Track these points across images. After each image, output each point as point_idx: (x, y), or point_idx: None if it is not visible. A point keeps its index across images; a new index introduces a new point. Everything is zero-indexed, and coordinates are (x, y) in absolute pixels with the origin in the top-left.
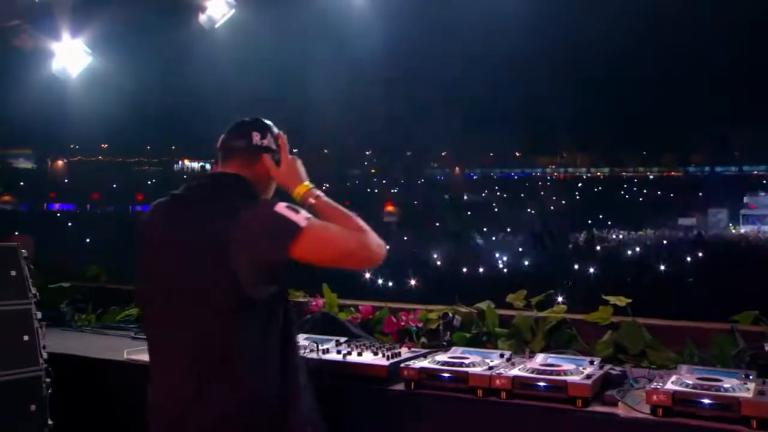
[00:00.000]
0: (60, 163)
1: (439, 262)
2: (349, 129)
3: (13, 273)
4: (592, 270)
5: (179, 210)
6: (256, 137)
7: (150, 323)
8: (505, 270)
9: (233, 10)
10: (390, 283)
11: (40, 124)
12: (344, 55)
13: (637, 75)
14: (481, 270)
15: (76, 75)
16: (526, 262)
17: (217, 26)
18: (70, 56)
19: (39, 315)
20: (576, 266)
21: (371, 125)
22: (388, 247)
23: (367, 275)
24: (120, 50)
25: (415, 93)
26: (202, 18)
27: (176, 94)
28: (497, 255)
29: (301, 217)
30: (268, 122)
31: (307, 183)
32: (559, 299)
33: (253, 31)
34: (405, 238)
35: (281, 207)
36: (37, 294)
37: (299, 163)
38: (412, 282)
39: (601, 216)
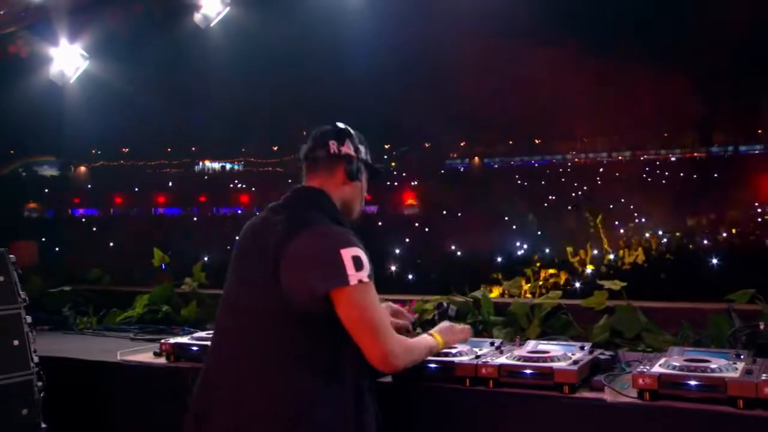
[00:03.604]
0: (83, 168)
1: (459, 253)
2: (365, 124)
3: (1, 278)
4: None
5: (261, 223)
6: (333, 146)
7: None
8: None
9: (228, 8)
10: (411, 276)
11: (58, 130)
12: (349, 50)
13: (652, 51)
14: (499, 259)
15: (75, 79)
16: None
17: (212, 25)
18: (69, 61)
19: (29, 319)
20: None
21: (386, 119)
22: (408, 240)
23: (393, 268)
24: (122, 53)
25: (430, 84)
26: (197, 17)
27: (186, 95)
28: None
29: (360, 274)
30: (347, 128)
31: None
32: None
33: (252, 27)
34: (426, 229)
35: (349, 252)
36: (27, 298)
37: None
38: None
39: (622, 200)
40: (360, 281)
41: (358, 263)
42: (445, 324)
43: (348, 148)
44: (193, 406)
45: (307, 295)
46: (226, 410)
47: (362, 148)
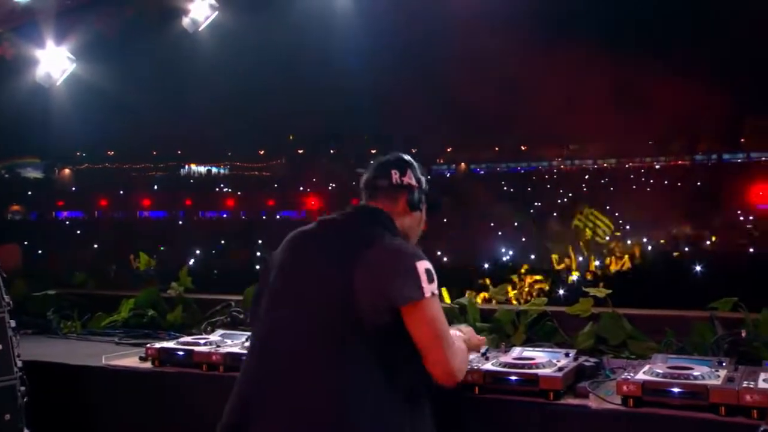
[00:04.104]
0: (67, 171)
1: (445, 258)
2: (351, 129)
3: None
4: None
5: (316, 237)
6: (395, 176)
7: (272, 332)
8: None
9: (216, 13)
10: None
11: (44, 133)
12: (336, 56)
13: (635, 58)
14: (487, 265)
15: (61, 81)
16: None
17: (200, 29)
18: (55, 63)
19: (13, 323)
20: None
21: (373, 124)
22: None
23: None
24: (110, 56)
25: (415, 89)
26: (186, 21)
27: (173, 98)
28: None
29: (432, 286)
30: (409, 159)
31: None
32: None
33: (240, 31)
34: None
35: (423, 265)
36: (11, 302)
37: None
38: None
39: (608, 207)
40: (432, 294)
41: (430, 276)
42: (467, 328)
43: (410, 178)
44: (227, 419)
45: (382, 307)
46: (266, 425)
47: (423, 179)
